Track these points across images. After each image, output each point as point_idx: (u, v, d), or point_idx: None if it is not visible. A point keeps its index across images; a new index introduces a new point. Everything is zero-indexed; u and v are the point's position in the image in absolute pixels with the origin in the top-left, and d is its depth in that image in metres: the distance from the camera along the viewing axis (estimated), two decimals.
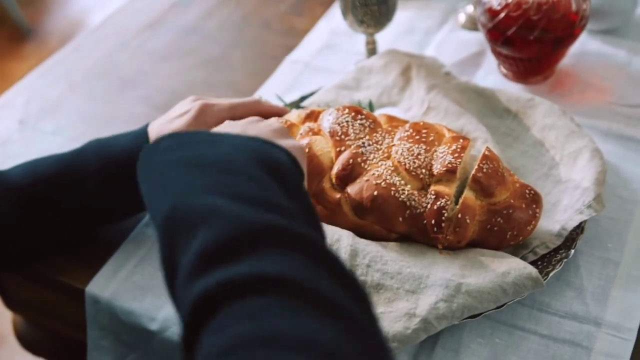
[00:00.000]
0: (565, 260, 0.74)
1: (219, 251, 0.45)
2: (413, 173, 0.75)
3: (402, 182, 0.75)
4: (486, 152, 0.76)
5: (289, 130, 0.80)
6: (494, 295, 0.69)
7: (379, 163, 0.76)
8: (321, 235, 0.55)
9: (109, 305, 0.79)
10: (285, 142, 0.63)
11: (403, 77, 0.94)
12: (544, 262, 0.74)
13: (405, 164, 0.75)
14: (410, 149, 0.76)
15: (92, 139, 0.82)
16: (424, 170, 0.75)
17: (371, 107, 0.91)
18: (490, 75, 1.05)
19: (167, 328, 0.76)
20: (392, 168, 0.76)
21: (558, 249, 0.75)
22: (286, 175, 0.56)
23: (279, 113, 0.84)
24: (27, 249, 0.81)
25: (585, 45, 1.08)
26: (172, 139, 0.57)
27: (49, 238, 0.81)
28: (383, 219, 0.74)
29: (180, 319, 0.45)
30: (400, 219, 0.74)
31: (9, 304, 1.01)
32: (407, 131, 0.78)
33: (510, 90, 0.98)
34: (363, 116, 0.80)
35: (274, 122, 0.69)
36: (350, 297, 0.44)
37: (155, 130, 0.79)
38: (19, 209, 0.76)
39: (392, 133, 0.79)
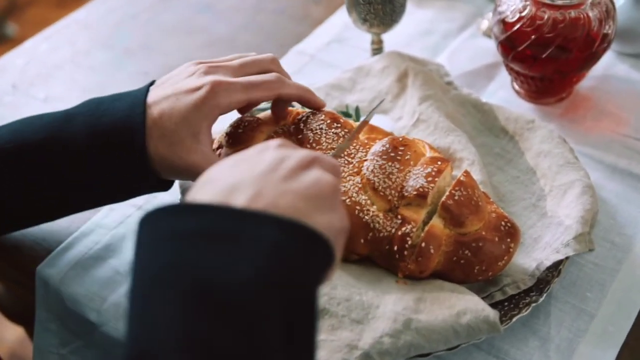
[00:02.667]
0: (534, 304, 0.68)
1: None
2: (381, 193, 0.70)
3: (369, 201, 0.70)
4: (461, 178, 0.70)
5: (259, 128, 0.75)
6: (445, 336, 0.64)
7: (348, 178, 0.71)
8: None
9: (57, 289, 0.76)
10: (324, 220, 0.49)
11: (399, 83, 0.88)
12: (511, 304, 0.69)
13: (374, 182, 0.70)
14: (382, 167, 0.71)
15: None
16: (393, 192, 0.70)
17: (357, 113, 0.86)
18: (502, 90, 0.98)
19: (106, 322, 0.73)
20: (360, 185, 0.70)
21: (529, 290, 0.70)
22: (303, 290, 0.46)
23: (301, 95, 0.74)
24: (8, 216, 0.76)
25: (611, 68, 1.00)
26: (183, 224, 0.46)
27: (31, 207, 0.75)
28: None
29: None
30: (362, 240, 0.69)
31: None
32: (384, 146, 0.73)
33: (515, 108, 0.91)
34: (339, 125, 0.75)
35: (299, 154, 0.53)
36: None
37: (160, 104, 0.68)
38: (1, 170, 0.71)
39: (368, 146, 0.74)
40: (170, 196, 0.84)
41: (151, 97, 0.70)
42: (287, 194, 0.49)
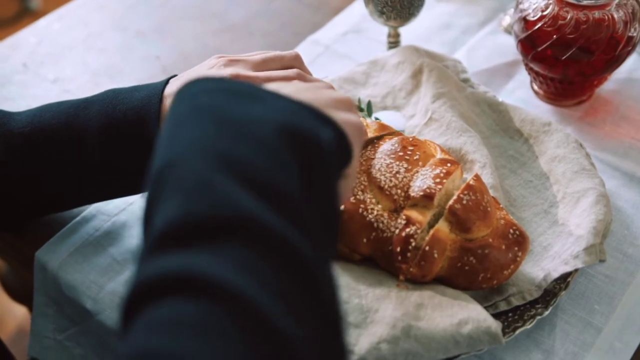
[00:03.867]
0: (539, 317, 0.66)
1: (183, 229, 0.39)
2: (387, 192, 0.67)
3: (374, 200, 0.68)
4: (471, 182, 0.68)
5: None
6: (444, 346, 0.62)
7: None
8: (322, 247, 0.45)
9: (55, 275, 0.75)
10: (341, 116, 0.53)
11: (413, 80, 0.86)
12: (515, 315, 0.67)
13: (380, 181, 0.68)
14: (390, 166, 0.69)
15: (89, 93, 0.74)
16: (399, 191, 0.67)
17: (369, 109, 0.83)
18: (520, 90, 0.95)
19: (102, 310, 0.72)
20: (366, 183, 0.68)
21: (535, 302, 0.67)
22: (319, 160, 0.47)
23: None
24: (22, 205, 0.75)
25: (634, 71, 0.96)
26: (214, 83, 0.50)
27: (45, 195, 0.74)
28: (347, 237, 0.68)
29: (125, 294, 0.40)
30: (365, 240, 0.67)
31: None
32: (393, 145, 0.70)
33: (533, 109, 0.89)
34: None
35: (339, 92, 0.58)
36: (311, 328, 0.38)
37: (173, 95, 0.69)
38: (17, 156, 0.71)
39: (377, 145, 0.71)
40: None
41: (169, 88, 0.69)
42: (306, 92, 0.54)
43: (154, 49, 1.05)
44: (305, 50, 1.02)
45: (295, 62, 0.72)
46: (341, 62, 1.01)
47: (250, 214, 0.40)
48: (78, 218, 0.80)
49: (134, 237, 0.78)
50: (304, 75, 0.70)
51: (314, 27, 1.07)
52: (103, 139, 0.69)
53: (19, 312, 1.53)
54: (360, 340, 0.62)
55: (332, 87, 0.61)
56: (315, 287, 0.40)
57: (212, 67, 0.70)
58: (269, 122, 0.46)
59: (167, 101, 0.68)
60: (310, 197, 0.45)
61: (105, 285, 0.73)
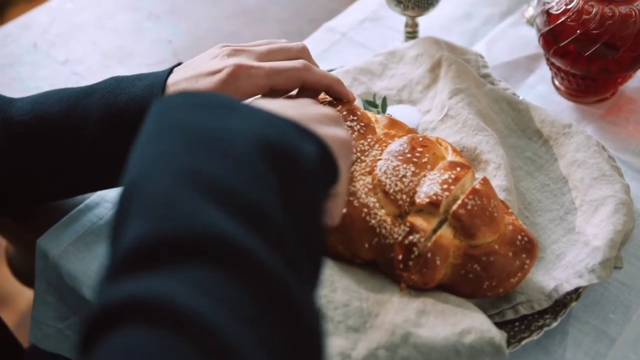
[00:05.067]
0: (547, 328, 0.63)
1: (146, 250, 0.37)
2: (392, 197, 0.64)
3: (378, 204, 0.65)
4: (477, 186, 0.64)
5: None
6: (445, 355, 0.60)
7: (358, 177, 0.66)
8: (302, 270, 0.42)
9: (56, 263, 0.74)
10: (326, 131, 0.50)
11: (431, 74, 0.83)
12: (522, 325, 0.64)
13: (385, 185, 0.65)
14: (396, 168, 0.66)
15: (98, 77, 0.73)
16: (404, 196, 0.64)
17: (384, 105, 0.81)
18: (541, 85, 0.92)
19: None
20: (371, 186, 0.66)
21: (544, 312, 0.65)
22: (300, 176, 0.45)
23: (329, 86, 0.69)
24: (22, 192, 0.74)
25: None
26: (187, 98, 0.48)
27: (40, 182, 0.73)
28: (347, 241, 0.65)
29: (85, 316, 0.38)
30: (367, 245, 0.64)
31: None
32: (401, 146, 0.67)
33: (553, 106, 0.86)
34: (355, 118, 0.70)
35: (326, 108, 0.55)
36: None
37: (178, 85, 0.67)
38: (17, 144, 0.69)
39: (385, 143, 0.69)
40: None
41: (172, 78, 0.67)
42: (289, 108, 0.51)
43: (165, 32, 1.03)
44: (320, 37, 1.00)
45: (302, 54, 0.70)
46: (357, 50, 0.98)
47: (219, 232, 0.38)
48: (81, 206, 0.78)
49: None
50: (310, 67, 0.67)
51: (330, 14, 1.05)
52: (105, 127, 0.67)
53: (27, 293, 1.53)
54: (358, 346, 0.60)
55: (319, 103, 0.58)
56: (289, 312, 0.37)
57: (215, 57, 0.68)
58: (245, 135, 0.44)
59: (170, 90, 0.66)
60: (291, 215, 0.42)
61: None
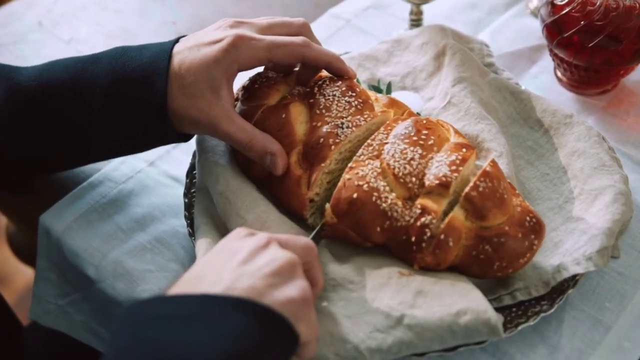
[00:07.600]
0: (543, 314, 0.64)
1: None
2: (401, 180, 0.65)
3: (388, 188, 0.65)
4: (487, 168, 0.65)
5: (276, 86, 0.72)
6: (440, 335, 0.60)
7: (367, 162, 0.67)
8: None
9: (59, 240, 0.75)
10: (279, 297, 0.54)
11: (435, 61, 0.83)
12: (519, 310, 0.65)
13: (394, 168, 0.66)
14: (404, 151, 0.66)
15: None
16: (414, 179, 0.65)
17: (389, 89, 0.81)
18: (544, 75, 0.92)
19: (104, 279, 0.71)
20: (379, 170, 0.66)
21: (541, 298, 0.66)
22: None
23: (328, 62, 0.71)
24: (24, 159, 0.74)
25: None
26: (159, 307, 0.52)
27: (47, 151, 0.73)
28: (359, 226, 0.66)
29: None
30: (378, 229, 0.65)
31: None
32: (407, 129, 0.68)
33: (555, 96, 0.87)
34: (354, 94, 0.71)
35: (279, 255, 0.57)
36: None
37: (181, 54, 0.68)
38: (25, 110, 0.70)
39: (389, 127, 0.69)
40: (183, 153, 0.82)
41: (177, 47, 0.69)
42: (244, 277, 0.54)
43: (170, 14, 1.03)
44: (325, 23, 1.00)
45: (303, 29, 0.72)
46: (361, 37, 0.98)
47: None
48: (84, 184, 0.79)
49: (140, 206, 0.77)
50: (309, 44, 0.69)
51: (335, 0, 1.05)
52: (112, 92, 0.68)
53: (27, 272, 1.54)
54: (354, 330, 0.61)
55: (271, 243, 0.58)
56: None
57: (218, 28, 0.69)
58: (211, 355, 0.49)
59: (176, 58, 0.67)
60: None
61: (109, 253, 0.73)
